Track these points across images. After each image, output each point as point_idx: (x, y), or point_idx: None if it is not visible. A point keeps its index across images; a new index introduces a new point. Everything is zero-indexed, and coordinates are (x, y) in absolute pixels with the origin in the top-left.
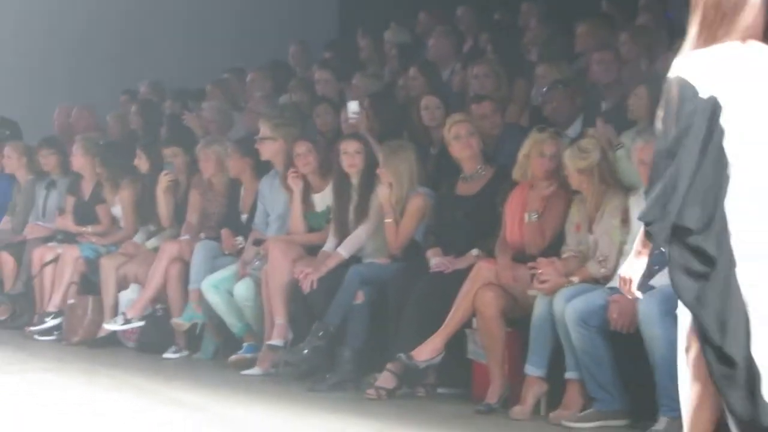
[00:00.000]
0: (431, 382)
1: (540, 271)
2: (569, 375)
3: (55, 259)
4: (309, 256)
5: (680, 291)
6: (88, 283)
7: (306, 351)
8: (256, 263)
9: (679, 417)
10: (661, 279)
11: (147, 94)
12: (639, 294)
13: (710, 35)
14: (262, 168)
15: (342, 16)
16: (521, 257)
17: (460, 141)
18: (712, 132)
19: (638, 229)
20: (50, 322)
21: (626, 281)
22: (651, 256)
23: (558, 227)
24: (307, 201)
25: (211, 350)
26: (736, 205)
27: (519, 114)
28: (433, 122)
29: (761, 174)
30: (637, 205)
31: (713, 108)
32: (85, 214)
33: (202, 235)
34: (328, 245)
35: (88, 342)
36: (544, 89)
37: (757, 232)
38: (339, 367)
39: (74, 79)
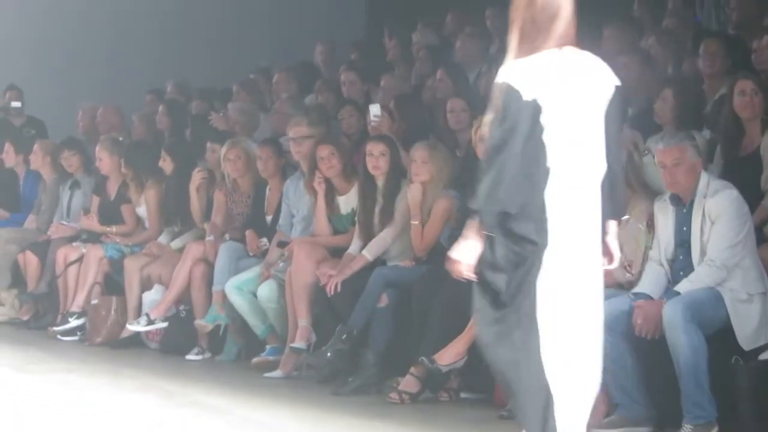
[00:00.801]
0: (454, 387)
1: None
2: None
3: (79, 259)
4: (333, 258)
5: (498, 265)
6: (112, 284)
7: (329, 354)
8: (280, 265)
9: (703, 423)
10: (686, 285)
11: (172, 93)
12: (473, 276)
13: (530, 45)
14: (286, 169)
15: (369, 17)
16: None
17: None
18: (534, 130)
19: (662, 235)
20: (73, 323)
21: (456, 261)
22: (482, 239)
23: None
24: (331, 203)
25: (234, 352)
26: (556, 192)
27: None
28: (459, 125)
29: (575, 166)
30: (662, 211)
31: (534, 109)
32: (109, 214)
33: (227, 236)
34: (353, 247)
35: (111, 343)
36: None
37: (568, 215)
38: (362, 370)
39: (100, 78)
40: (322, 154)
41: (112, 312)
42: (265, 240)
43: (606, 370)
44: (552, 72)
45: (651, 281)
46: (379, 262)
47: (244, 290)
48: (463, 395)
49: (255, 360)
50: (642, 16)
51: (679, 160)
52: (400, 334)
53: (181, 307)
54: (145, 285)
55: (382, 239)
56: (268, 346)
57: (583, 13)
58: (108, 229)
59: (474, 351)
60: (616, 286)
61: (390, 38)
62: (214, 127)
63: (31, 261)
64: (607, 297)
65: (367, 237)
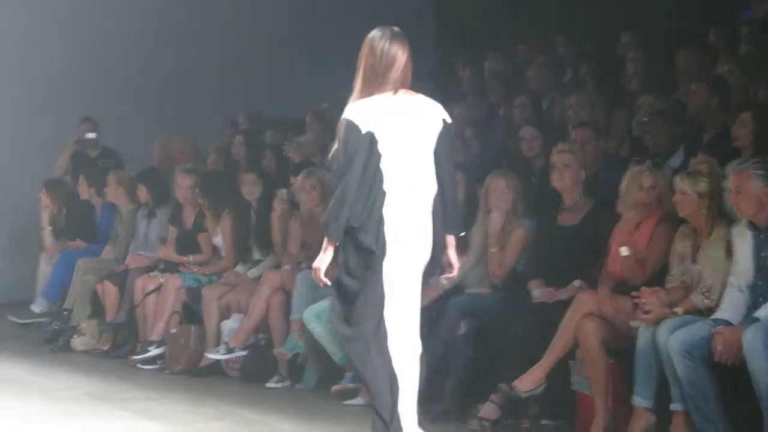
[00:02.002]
0: (535, 414)
1: (643, 301)
2: (674, 406)
3: (158, 289)
4: None
5: (351, 272)
6: (191, 313)
7: None
8: None
9: None
10: (765, 311)
11: (245, 124)
12: (327, 281)
13: (369, 89)
14: None
15: (439, 47)
16: (623, 288)
17: (561, 171)
18: (371, 157)
19: (740, 260)
20: (153, 351)
21: (316, 270)
22: (331, 250)
23: (661, 258)
24: None
25: (313, 380)
26: (391, 210)
27: (619, 145)
28: (531, 152)
29: (408, 187)
30: (740, 236)
31: (371, 140)
32: (186, 243)
33: (303, 265)
34: None
35: (191, 371)
36: (644, 119)
37: (400, 229)
38: (442, 398)
39: (175, 109)
40: None
41: (192, 341)
42: None
43: (687, 396)
44: (386, 110)
45: (730, 307)
46: (456, 290)
47: (322, 318)
48: (543, 422)
49: (334, 388)
50: (717, 42)
51: (740, 187)
52: (478, 361)
53: (260, 336)
54: (224, 314)
55: (459, 267)
56: (347, 374)
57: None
58: (185, 258)
59: (554, 377)
60: (695, 312)
61: (463, 68)
62: (288, 156)
63: (109, 291)
64: (686, 323)
65: None
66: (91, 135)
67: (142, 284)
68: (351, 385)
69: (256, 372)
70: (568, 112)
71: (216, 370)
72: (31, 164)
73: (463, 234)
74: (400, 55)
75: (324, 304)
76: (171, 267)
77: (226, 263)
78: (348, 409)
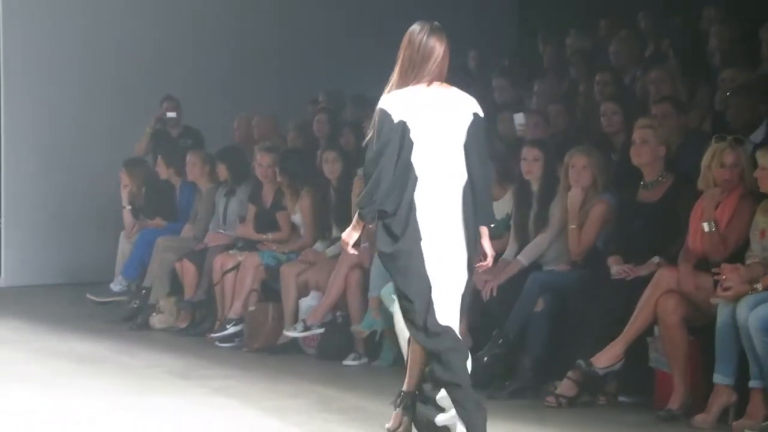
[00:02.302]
0: (612, 390)
1: (723, 277)
2: (753, 384)
3: (236, 267)
4: None
5: (381, 256)
6: (269, 291)
7: (486, 359)
8: None
9: None
10: None
11: (325, 102)
12: (354, 251)
13: (405, 80)
14: None
15: (521, 24)
16: (704, 265)
17: (639, 147)
18: (403, 146)
19: None
20: (231, 329)
21: (346, 243)
22: (360, 229)
23: (743, 234)
24: None
25: (390, 357)
26: (422, 196)
27: (701, 120)
28: (611, 128)
29: (439, 175)
30: None
31: (403, 129)
32: (265, 221)
33: None
34: (508, 252)
35: (269, 349)
36: (727, 94)
37: (432, 216)
38: (519, 374)
39: (255, 87)
40: None
41: (270, 318)
42: None
43: (766, 373)
44: (419, 102)
45: None
46: (535, 266)
47: None
48: (621, 398)
49: None
50: None
51: None
52: (556, 338)
53: (338, 313)
54: (302, 291)
55: (538, 244)
56: None
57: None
58: (264, 236)
59: (632, 354)
60: None
61: (544, 44)
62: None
63: (188, 269)
64: (766, 300)
65: (523, 242)
66: (171, 114)
67: (220, 262)
68: None
69: (333, 349)
70: (649, 87)
71: (293, 347)
72: (110, 144)
73: (493, 225)
74: (438, 49)
75: None
76: (250, 245)
77: (304, 241)
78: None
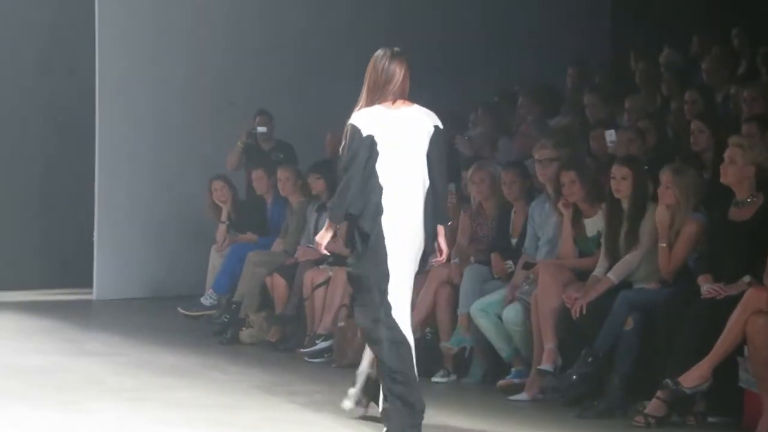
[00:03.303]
0: (701, 410)
1: None
2: None
3: (326, 282)
4: (579, 280)
5: (351, 253)
6: None
7: (574, 377)
8: (526, 287)
9: None
10: None
11: None
12: (325, 251)
13: (372, 99)
14: (531, 192)
15: (614, 41)
16: None
17: (729, 166)
18: (370, 156)
19: None
20: (321, 345)
21: (319, 244)
22: (331, 230)
23: None
24: (577, 225)
25: (479, 374)
26: (387, 200)
27: None
28: (697, 146)
29: (400, 181)
30: None
31: (371, 141)
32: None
33: (472, 259)
34: (599, 270)
35: (358, 365)
36: None
37: (396, 218)
38: (608, 393)
39: (346, 103)
40: (565, 180)
41: (359, 334)
42: (510, 263)
43: None
44: (385, 118)
45: None
46: (625, 284)
47: (490, 313)
48: (710, 419)
49: (500, 382)
50: None
51: None
52: (645, 357)
53: (427, 330)
54: None
55: (628, 262)
56: (513, 369)
57: None
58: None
59: (721, 374)
60: None
61: (636, 60)
62: (458, 150)
63: (278, 284)
64: None
65: (613, 259)
66: (261, 129)
67: (311, 277)
68: (517, 381)
69: (422, 366)
70: (742, 105)
71: None
72: (201, 158)
73: (450, 223)
74: (398, 72)
75: (491, 298)
76: (340, 260)
77: None
78: (514, 405)
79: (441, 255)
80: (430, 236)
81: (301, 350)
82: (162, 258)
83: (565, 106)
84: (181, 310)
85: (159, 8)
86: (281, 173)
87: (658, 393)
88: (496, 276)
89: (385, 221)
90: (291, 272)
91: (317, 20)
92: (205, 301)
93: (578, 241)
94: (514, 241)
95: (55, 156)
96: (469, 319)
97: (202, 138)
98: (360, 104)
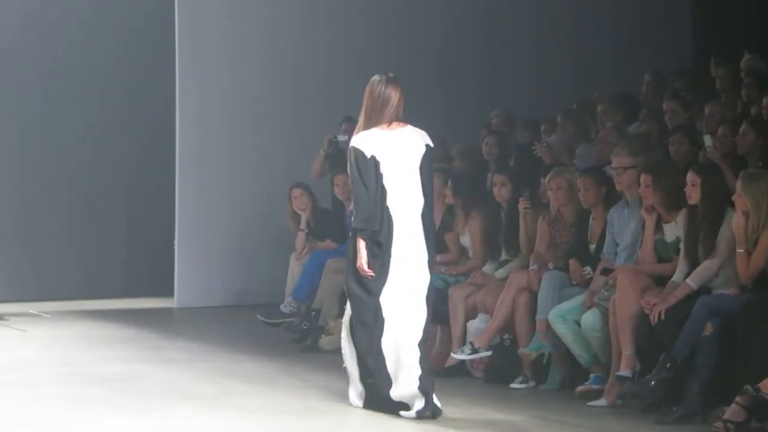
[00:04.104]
0: None
1: None
2: None
3: None
4: (657, 286)
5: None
6: (437, 313)
7: (653, 383)
8: (604, 293)
9: None
10: None
11: (499, 125)
12: (369, 271)
13: (369, 123)
14: (610, 198)
15: (696, 47)
16: None
17: None
18: (377, 176)
19: None
20: None
21: (362, 269)
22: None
23: None
24: (657, 231)
25: (557, 381)
26: (395, 214)
27: None
28: None
29: (403, 195)
30: None
31: (375, 162)
32: (434, 243)
33: (550, 265)
34: (677, 276)
35: (436, 371)
36: None
37: (404, 228)
38: (686, 399)
39: (425, 110)
40: (641, 185)
41: (437, 341)
42: (588, 269)
43: None
44: (383, 139)
45: None
46: (704, 290)
47: (568, 319)
48: None
49: (579, 389)
50: None
51: None
52: (725, 363)
53: (505, 336)
54: (470, 314)
55: (707, 268)
56: (592, 375)
57: None
58: (432, 258)
59: None
60: None
61: (717, 66)
62: (538, 157)
63: None
64: None
65: (692, 265)
66: (342, 137)
67: None
68: (596, 387)
69: (501, 373)
70: None
71: (461, 370)
72: (281, 166)
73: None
74: (394, 96)
75: (570, 304)
76: None
77: (474, 263)
78: (592, 411)
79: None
80: (431, 246)
81: None
82: (242, 266)
83: (643, 113)
84: (261, 318)
85: (239, 15)
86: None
87: (738, 398)
88: (574, 282)
89: (395, 233)
90: None
91: (390, 28)
92: (285, 308)
93: (657, 247)
94: (592, 247)
95: (137, 166)
96: (548, 325)
97: (282, 146)
98: (359, 127)
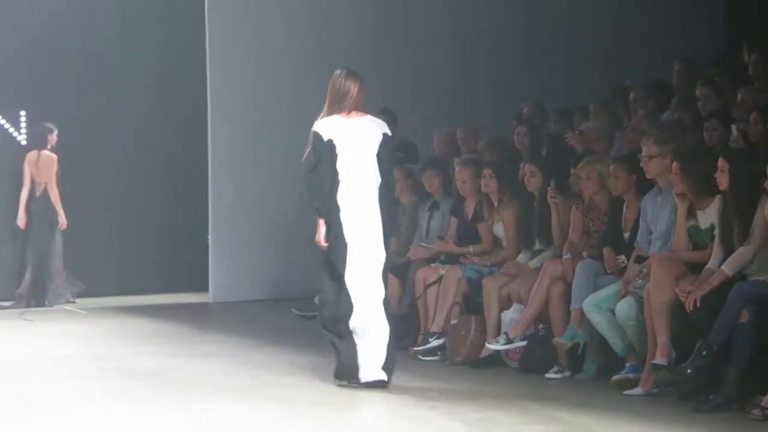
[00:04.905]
0: None
1: None
2: None
3: (439, 280)
4: (692, 274)
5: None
6: (471, 304)
7: (689, 371)
8: (639, 282)
9: None
10: None
11: (530, 114)
12: (325, 244)
13: (331, 111)
14: (644, 185)
15: (729, 34)
16: None
17: None
18: (331, 157)
19: None
20: (434, 343)
21: (319, 242)
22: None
23: None
24: (691, 218)
25: (593, 370)
26: (343, 196)
27: None
28: None
29: (357, 176)
30: None
31: (330, 145)
32: (467, 234)
33: (584, 254)
34: (712, 263)
35: (471, 362)
36: None
37: (353, 210)
38: (723, 387)
39: (461, 101)
40: (672, 171)
41: (472, 332)
42: (623, 257)
43: None
44: (341, 125)
45: None
46: (739, 277)
47: (603, 308)
48: None
49: (615, 378)
50: None
51: None
52: (762, 350)
53: (540, 326)
54: (504, 304)
55: (741, 254)
56: (627, 364)
57: None
58: (466, 249)
59: None
60: None
61: (749, 52)
62: (570, 146)
63: (392, 283)
64: None
65: (727, 252)
66: None
67: (423, 276)
68: (631, 375)
69: (536, 362)
70: None
71: (496, 360)
72: None
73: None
74: (353, 88)
75: (604, 293)
76: (452, 258)
77: (507, 253)
78: (628, 399)
79: None
80: (388, 224)
81: (415, 348)
82: (276, 260)
83: (674, 101)
84: (296, 311)
85: (269, 9)
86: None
87: None
88: (608, 270)
89: (343, 213)
90: (403, 271)
91: (431, 17)
92: (318, 300)
93: (692, 234)
94: (626, 235)
95: (171, 163)
96: (582, 314)
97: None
98: (322, 114)
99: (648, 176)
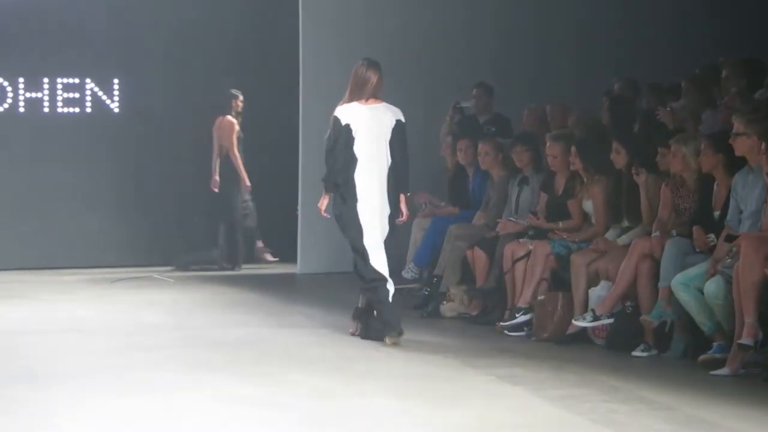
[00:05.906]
0: None
1: None
2: None
3: (527, 255)
4: None
5: (335, 217)
6: (559, 280)
7: None
8: (728, 261)
9: None
10: None
11: (621, 90)
12: (326, 215)
13: (351, 98)
14: (735, 164)
15: None
16: None
17: None
18: (348, 139)
19: None
20: (520, 318)
21: (319, 209)
22: (327, 197)
23: None
24: None
25: (680, 349)
26: (358, 174)
27: None
28: None
29: (372, 160)
30: None
31: (348, 129)
32: (556, 210)
33: (673, 232)
34: None
35: (557, 338)
36: None
37: (365, 187)
38: None
39: (558, 77)
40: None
41: (559, 308)
42: (712, 236)
43: None
44: (359, 111)
45: None
46: None
47: (691, 286)
48: None
49: (701, 357)
50: None
51: None
52: None
53: (628, 303)
54: (592, 281)
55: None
56: (714, 344)
57: None
58: (555, 225)
59: None
60: None
61: None
62: (661, 123)
63: (479, 257)
64: None
65: None
66: (465, 103)
67: (511, 251)
68: (718, 355)
69: (623, 340)
70: None
71: (582, 337)
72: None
73: (409, 194)
74: (372, 78)
75: (693, 272)
76: (541, 233)
77: (596, 229)
78: (715, 379)
79: (402, 216)
80: (394, 202)
81: (501, 323)
82: None
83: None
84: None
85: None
86: (482, 147)
87: None
88: (697, 249)
89: (358, 189)
90: (492, 246)
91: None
92: (407, 274)
93: None
94: (716, 214)
95: (262, 137)
96: (670, 292)
97: (412, 112)
98: (343, 101)
99: (737, 154)
